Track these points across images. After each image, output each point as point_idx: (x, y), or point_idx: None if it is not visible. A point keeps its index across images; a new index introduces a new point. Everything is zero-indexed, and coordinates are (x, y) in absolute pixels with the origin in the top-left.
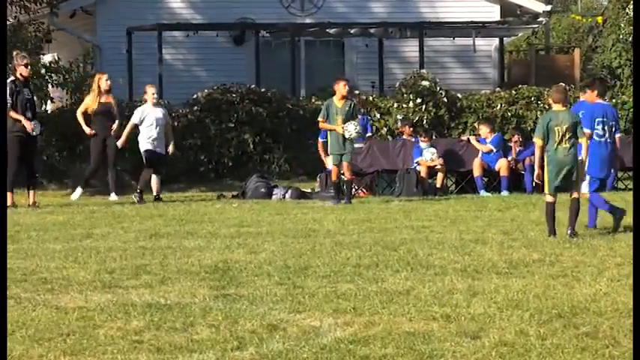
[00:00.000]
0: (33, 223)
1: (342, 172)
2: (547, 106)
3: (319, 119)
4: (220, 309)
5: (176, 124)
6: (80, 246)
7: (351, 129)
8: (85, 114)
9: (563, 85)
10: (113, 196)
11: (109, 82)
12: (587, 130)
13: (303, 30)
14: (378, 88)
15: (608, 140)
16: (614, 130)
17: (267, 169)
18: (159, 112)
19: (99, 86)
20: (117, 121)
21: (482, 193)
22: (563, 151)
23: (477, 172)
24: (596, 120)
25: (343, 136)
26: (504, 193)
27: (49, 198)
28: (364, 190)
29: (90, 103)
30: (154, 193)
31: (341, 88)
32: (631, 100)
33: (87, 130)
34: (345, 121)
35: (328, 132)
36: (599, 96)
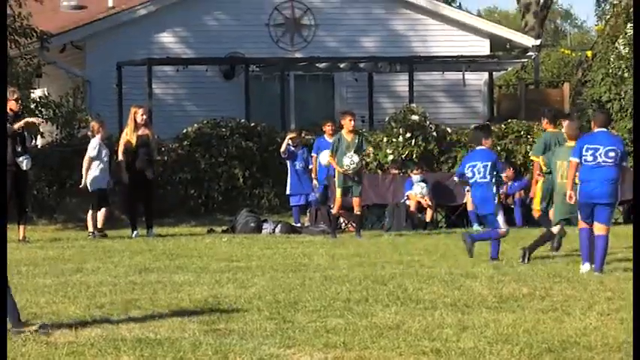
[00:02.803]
0: (23, 258)
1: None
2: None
3: (329, 154)
4: (210, 344)
5: (166, 158)
6: (70, 281)
7: (347, 162)
8: (127, 149)
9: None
10: (137, 233)
11: (144, 116)
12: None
13: (293, 64)
14: (368, 123)
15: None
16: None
17: (257, 204)
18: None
19: (135, 120)
20: (154, 155)
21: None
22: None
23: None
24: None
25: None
26: None
27: (39, 233)
28: (353, 225)
29: (128, 137)
30: (100, 226)
31: (347, 123)
32: (620, 133)
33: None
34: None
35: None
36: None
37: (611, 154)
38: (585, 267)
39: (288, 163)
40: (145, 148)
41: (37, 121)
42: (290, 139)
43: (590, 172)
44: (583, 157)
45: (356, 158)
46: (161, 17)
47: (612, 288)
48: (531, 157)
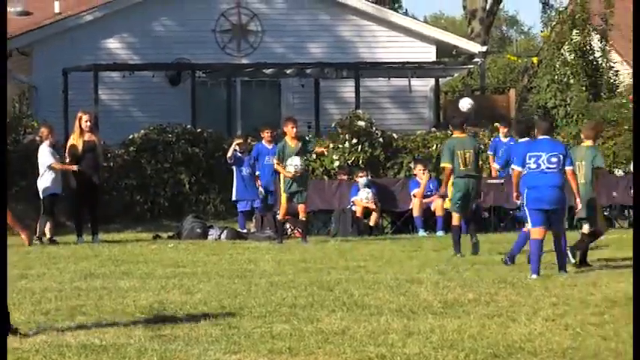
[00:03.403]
0: None
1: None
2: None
3: (275, 161)
4: (156, 350)
5: (112, 164)
6: (15, 287)
7: (291, 169)
8: (73, 154)
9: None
10: (82, 239)
11: (88, 122)
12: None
13: (239, 70)
14: (315, 129)
15: None
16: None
17: (203, 210)
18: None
19: (80, 126)
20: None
21: (421, 232)
22: None
23: (416, 212)
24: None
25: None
26: (440, 233)
27: None
28: (300, 231)
29: (74, 142)
30: (50, 236)
31: (289, 130)
32: (565, 139)
33: (73, 167)
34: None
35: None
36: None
37: (554, 159)
38: (534, 277)
39: (234, 168)
40: (91, 154)
41: None
42: (237, 144)
43: (534, 178)
44: (527, 165)
45: (297, 161)
46: (108, 23)
47: (557, 294)
48: (442, 165)
